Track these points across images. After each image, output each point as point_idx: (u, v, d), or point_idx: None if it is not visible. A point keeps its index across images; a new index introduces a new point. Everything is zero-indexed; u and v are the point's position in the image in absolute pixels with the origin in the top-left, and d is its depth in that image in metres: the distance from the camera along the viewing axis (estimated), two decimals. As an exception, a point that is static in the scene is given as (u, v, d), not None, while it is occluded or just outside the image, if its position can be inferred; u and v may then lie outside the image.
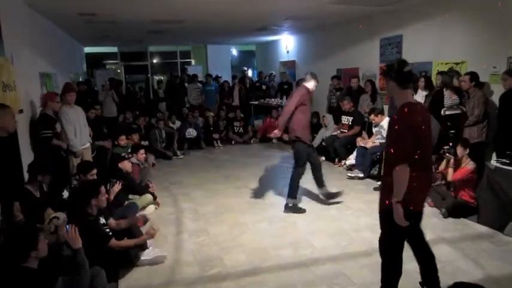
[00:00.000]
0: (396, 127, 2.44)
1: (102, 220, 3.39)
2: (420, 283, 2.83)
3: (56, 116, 4.86)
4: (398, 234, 2.53)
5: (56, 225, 3.32)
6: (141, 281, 3.30)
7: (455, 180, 4.60)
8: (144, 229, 4.01)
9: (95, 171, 4.12)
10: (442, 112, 5.28)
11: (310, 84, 4.91)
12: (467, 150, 4.53)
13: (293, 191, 4.76)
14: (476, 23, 5.44)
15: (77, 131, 4.93)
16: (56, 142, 4.70)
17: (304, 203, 5.17)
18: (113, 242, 3.27)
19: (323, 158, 7.27)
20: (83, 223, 2.95)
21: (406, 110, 2.43)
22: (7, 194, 3.09)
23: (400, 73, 2.45)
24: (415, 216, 2.51)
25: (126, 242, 3.47)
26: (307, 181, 6.04)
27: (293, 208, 4.76)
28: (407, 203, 2.39)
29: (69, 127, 4.83)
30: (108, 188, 4.42)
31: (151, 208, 4.94)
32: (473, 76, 5.02)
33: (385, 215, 2.51)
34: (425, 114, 2.56)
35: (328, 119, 8.03)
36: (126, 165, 4.94)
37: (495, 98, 5.07)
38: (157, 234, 4.16)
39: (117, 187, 4.31)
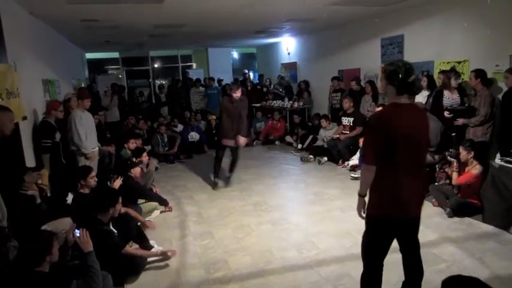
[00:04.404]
0: (369, 126, 2.49)
1: (111, 227, 3.42)
2: None
3: (56, 124, 4.94)
4: (370, 238, 2.50)
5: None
6: (147, 285, 3.31)
7: (459, 184, 4.58)
8: (148, 233, 4.03)
9: (93, 173, 4.14)
10: (445, 114, 5.23)
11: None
12: (472, 154, 4.47)
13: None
14: (478, 21, 5.43)
15: (88, 134, 5.10)
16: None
17: (310, 204, 5.18)
18: (126, 248, 3.32)
19: (325, 158, 7.28)
20: (95, 230, 2.99)
21: (387, 109, 2.35)
22: (11, 199, 3.10)
23: (403, 83, 2.27)
24: (380, 222, 2.39)
25: (138, 250, 3.52)
26: (314, 183, 6.05)
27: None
28: (372, 206, 2.41)
29: (81, 130, 4.98)
30: (109, 183, 4.48)
31: (155, 213, 4.96)
32: (479, 73, 4.93)
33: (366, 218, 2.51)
34: (412, 116, 2.33)
35: (325, 123, 7.90)
36: (136, 171, 4.99)
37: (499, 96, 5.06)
38: (163, 238, 4.19)
39: (118, 182, 4.34)
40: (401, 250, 2.59)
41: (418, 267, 2.59)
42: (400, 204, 2.34)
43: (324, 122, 7.87)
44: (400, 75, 2.26)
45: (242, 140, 5.91)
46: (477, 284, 1.63)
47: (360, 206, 2.49)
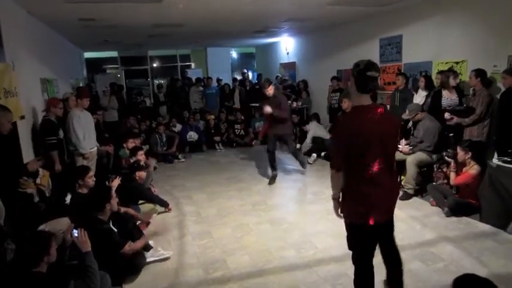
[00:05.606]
0: (334, 131, 2.47)
1: (111, 226, 3.41)
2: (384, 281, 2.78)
3: (57, 122, 4.91)
4: (354, 242, 2.52)
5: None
6: (145, 285, 3.31)
7: (457, 185, 4.58)
8: (146, 232, 4.04)
9: (91, 173, 4.13)
10: (445, 116, 5.20)
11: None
12: (469, 154, 4.48)
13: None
14: (476, 21, 5.43)
15: (86, 134, 5.07)
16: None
17: (308, 204, 5.19)
18: (126, 246, 3.31)
19: (314, 155, 7.46)
20: (96, 230, 2.98)
21: (349, 115, 2.37)
22: (9, 199, 3.10)
23: (361, 75, 2.24)
24: (358, 228, 2.40)
25: (137, 243, 3.48)
26: (313, 183, 6.05)
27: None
28: (348, 214, 2.44)
29: (79, 129, 4.95)
30: (107, 183, 4.47)
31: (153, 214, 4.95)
32: (479, 72, 4.93)
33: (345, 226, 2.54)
34: (376, 118, 2.25)
35: (307, 127, 8.27)
36: (142, 175, 4.98)
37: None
38: (161, 238, 4.19)
39: (116, 182, 4.34)
40: (381, 249, 2.64)
41: (397, 261, 2.66)
42: (374, 211, 2.34)
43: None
44: (359, 67, 2.26)
45: (268, 108, 5.96)
46: (490, 286, 1.63)
47: (336, 207, 2.55)
